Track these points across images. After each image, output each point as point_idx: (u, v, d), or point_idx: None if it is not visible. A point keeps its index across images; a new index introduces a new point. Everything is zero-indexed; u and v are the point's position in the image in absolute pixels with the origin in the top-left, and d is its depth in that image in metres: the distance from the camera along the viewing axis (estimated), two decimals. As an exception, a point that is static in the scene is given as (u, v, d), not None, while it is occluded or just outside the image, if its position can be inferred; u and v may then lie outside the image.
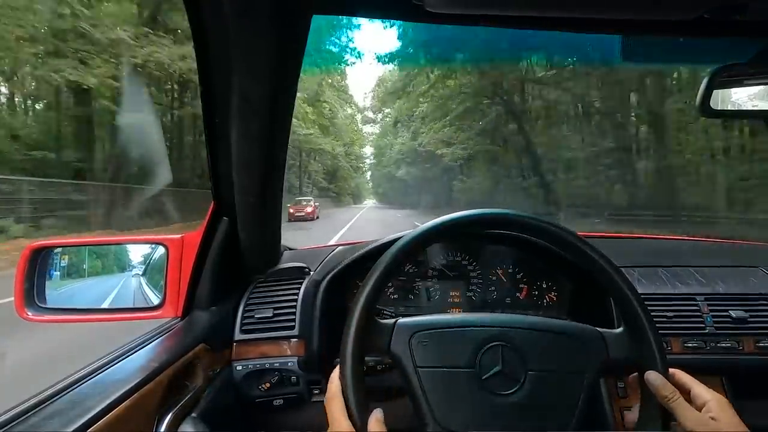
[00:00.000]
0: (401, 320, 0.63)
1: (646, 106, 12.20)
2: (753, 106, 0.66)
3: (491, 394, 0.59)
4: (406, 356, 0.61)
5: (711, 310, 0.96)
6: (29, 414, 0.53)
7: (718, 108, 0.63)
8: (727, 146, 10.37)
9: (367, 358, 0.65)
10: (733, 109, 0.65)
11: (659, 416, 0.57)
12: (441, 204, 26.68)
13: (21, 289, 0.83)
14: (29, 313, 0.84)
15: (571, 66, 13.35)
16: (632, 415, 0.63)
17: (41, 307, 0.86)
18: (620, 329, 0.64)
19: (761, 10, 0.53)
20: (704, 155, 10.70)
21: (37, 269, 0.86)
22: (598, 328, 0.64)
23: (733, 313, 0.95)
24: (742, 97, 0.65)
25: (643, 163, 12.17)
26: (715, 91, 0.63)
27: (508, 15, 0.61)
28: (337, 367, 0.57)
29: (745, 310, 0.95)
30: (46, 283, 0.88)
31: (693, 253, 1.28)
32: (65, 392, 0.59)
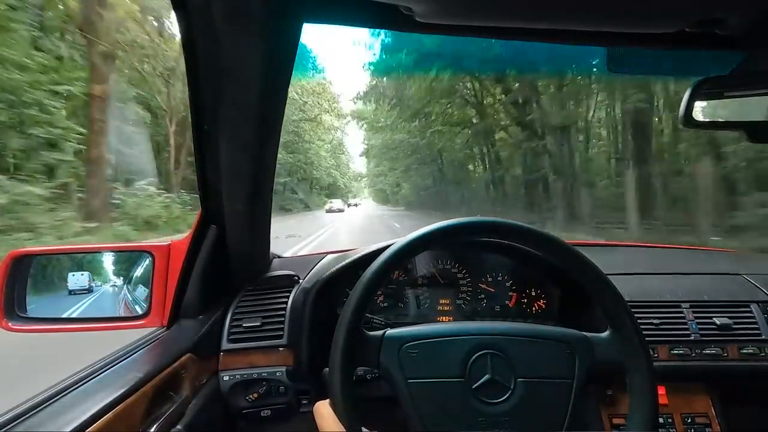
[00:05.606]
0: (389, 332, 0.63)
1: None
2: (733, 117, 0.68)
3: (482, 403, 0.59)
4: (396, 369, 0.61)
5: (696, 317, 0.98)
6: (8, 427, 0.52)
7: (700, 119, 0.65)
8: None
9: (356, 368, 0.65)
10: (714, 120, 0.67)
11: (648, 418, 0.58)
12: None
13: (1, 299, 0.81)
14: (9, 324, 0.81)
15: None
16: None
17: (22, 317, 0.84)
18: (606, 333, 0.64)
19: (739, 25, 0.55)
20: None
21: (18, 278, 0.84)
22: (584, 333, 0.65)
23: (717, 320, 0.96)
24: (723, 109, 0.67)
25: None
26: (696, 102, 0.64)
27: (496, 26, 0.62)
28: (323, 402, 0.57)
29: (729, 317, 0.97)
30: (28, 292, 0.86)
31: (677, 261, 1.30)
32: (46, 404, 0.58)
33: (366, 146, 35.94)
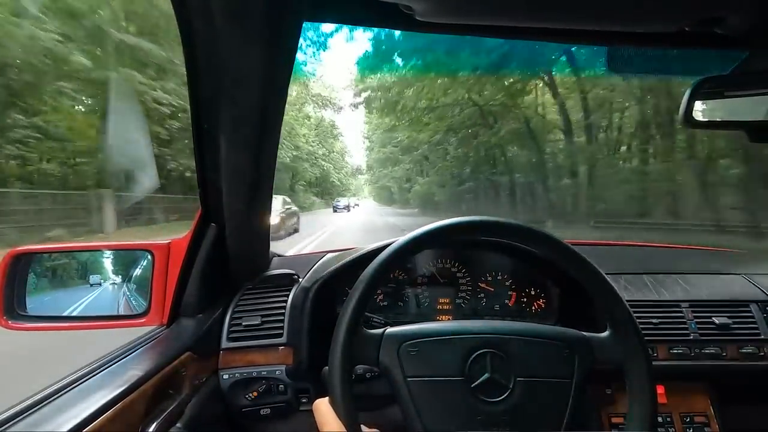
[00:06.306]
0: (389, 330, 0.63)
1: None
2: (733, 117, 0.68)
3: (481, 402, 0.60)
4: (395, 367, 0.61)
5: (695, 317, 0.98)
6: (6, 426, 0.52)
7: (700, 119, 0.65)
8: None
9: (356, 366, 0.65)
10: (714, 120, 0.67)
11: (647, 417, 0.58)
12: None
13: (1, 297, 0.81)
14: (9, 322, 0.81)
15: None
16: None
17: (21, 315, 0.84)
18: (606, 333, 0.64)
19: (739, 24, 0.55)
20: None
21: (17, 276, 0.84)
22: (584, 333, 0.65)
23: (716, 320, 0.96)
24: (723, 108, 0.66)
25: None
26: (697, 102, 0.64)
27: (497, 25, 0.62)
28: (322, 399, 0.57)
29: (728, 317, 0.97)
30: (27, 290, 0.86)
31: (677, 261, 1.31)
32: (45, 402, 0.58)
33: (368, 95, 20.32)
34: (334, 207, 31.39)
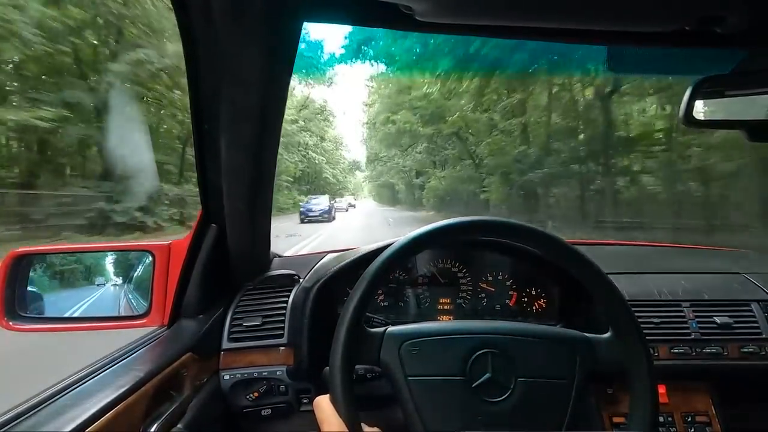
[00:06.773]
0: (390, 329, 0.63)
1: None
2: (733, 116, 0.68)
3: (481, 402, 0.59)
4: (396, 366, 0.61)
5: (696, 316, 0.98)
6: (8, 427, 0.52)
7: (700, 118, 0.65)
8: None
9: (357, 367, 0.65)
10: (714, 119, 0.67)
11: (649, 418, 0.58)
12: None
13: (1, 298, 0.81)
14: (10, 323, 0.82)
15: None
16: None
17: (22, 316, 0.84)
18: (608, 334, 0.64)
19: (739, 23, 0.55)
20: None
21: (18, 277, 0.84)
22: (585, 334, 0.65)
23: (717, 319, 0.96)
24: (724, 108, 0.67)
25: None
26: (697, 101, 0.64)
27: (497, 25, 0.63)
28: (323, 396, 0.57)
29: (729, 316, 0.97)
30: (28, 291, 0.86)
31: (678, 260, 1.31)
32: (47, 403, 0.58)
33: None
34: (301, 213, 17.99)
